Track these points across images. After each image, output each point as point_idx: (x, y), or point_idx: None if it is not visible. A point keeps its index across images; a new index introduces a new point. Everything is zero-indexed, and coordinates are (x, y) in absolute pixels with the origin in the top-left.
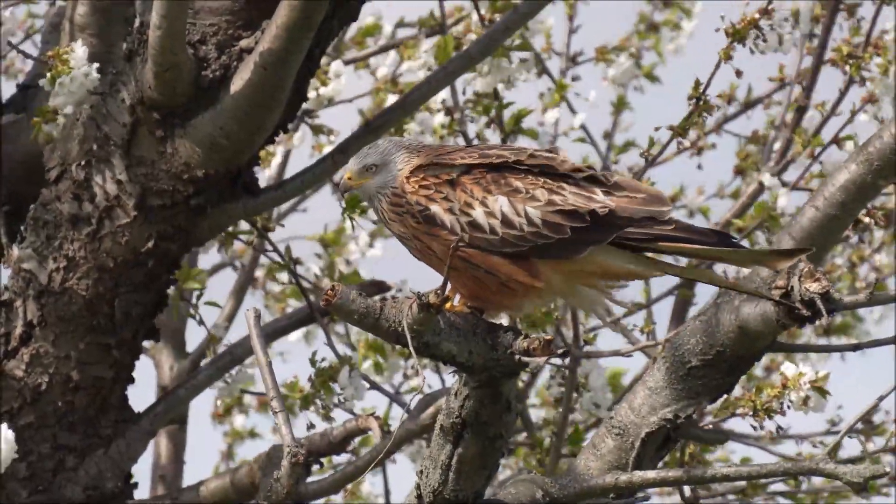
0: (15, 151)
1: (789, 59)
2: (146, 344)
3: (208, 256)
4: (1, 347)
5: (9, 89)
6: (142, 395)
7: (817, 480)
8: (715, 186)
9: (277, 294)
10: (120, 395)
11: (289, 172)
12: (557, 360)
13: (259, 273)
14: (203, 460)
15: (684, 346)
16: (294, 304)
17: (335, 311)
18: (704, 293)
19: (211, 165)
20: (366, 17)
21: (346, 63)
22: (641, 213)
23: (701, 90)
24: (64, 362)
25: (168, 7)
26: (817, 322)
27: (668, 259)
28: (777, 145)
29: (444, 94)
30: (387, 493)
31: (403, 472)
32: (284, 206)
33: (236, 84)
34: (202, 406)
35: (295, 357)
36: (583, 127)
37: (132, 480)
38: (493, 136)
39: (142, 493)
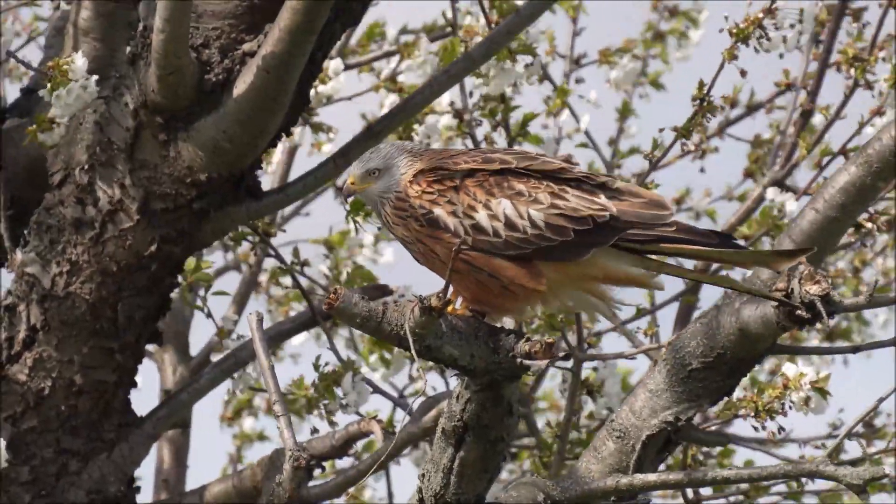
0: (19, 156)
1: (795, 63)
2: (149, 347)
3: (212, 260)
4: (4, 352)
5: (13, 92)
6: (145, 398)
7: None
8: (721, 189)
9: (281, 297)
10: (123, 399)
11: (293, 174)
12: (560, 364)
13: (262, 277)
14: (207, 464)
15: (685, 349)
16: (298, 308)
17: (337, 315)
18: (708, 299)
19: (214, 169)
20: (371, 22)
21: (350, 67)
22: (643, 217)
23: (705, 91)
24: (67, 366)
25: (171, 11)
26: (818, 324)
27: (670, 261)
28: (782, 150)
29: (454, 96)
30: (390, 496)
31: (406, 476)
32: (287, 210)
33: (239, 87)
34: (206, 410)
35: (306, 359)
36: (586, 132)
37: (135, 484)
38: (500, 139)
39: (145, 497)
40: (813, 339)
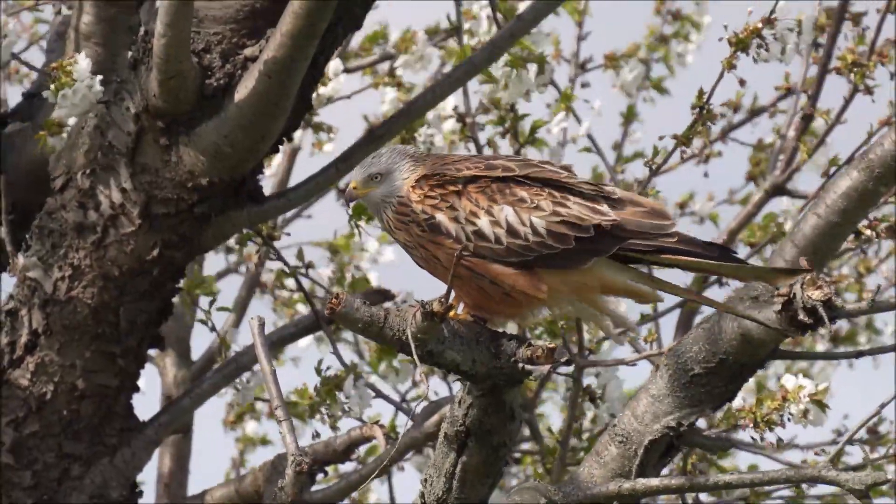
0: (20, 160)
1: (796, 67)
2: (151, 352)
3: (214, 262)
4: (6, 356)
5: (13, 95)
6: (147, 403)
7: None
8: (724, 193)
9: (286, 299)
10: (125, 404)
11: (294, 177)
12: (562, 369)
13: (268, 277)
14: (209, 469)
15: (687, 354)
16: (303, 309)
17: (339, 320)
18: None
19: (215, 174)
20: (373, 24)
21: (353, 70)
22: (644, 226)
23: (704, 99)
24: (69, 371)
25: (173, 16)
26: (820, 329)
27: (669, 274)
28: (782, 154)
29: (458, 100)
30: (392, 501)
31: (409, 481)
32: (289, 213)
33: (241, 92)
34: (208, 414)
35: (307, 362)
36: (589, 136)
37: (137, 489)
38: (505, 145)
39: (147, 501)
40: (818, 344)
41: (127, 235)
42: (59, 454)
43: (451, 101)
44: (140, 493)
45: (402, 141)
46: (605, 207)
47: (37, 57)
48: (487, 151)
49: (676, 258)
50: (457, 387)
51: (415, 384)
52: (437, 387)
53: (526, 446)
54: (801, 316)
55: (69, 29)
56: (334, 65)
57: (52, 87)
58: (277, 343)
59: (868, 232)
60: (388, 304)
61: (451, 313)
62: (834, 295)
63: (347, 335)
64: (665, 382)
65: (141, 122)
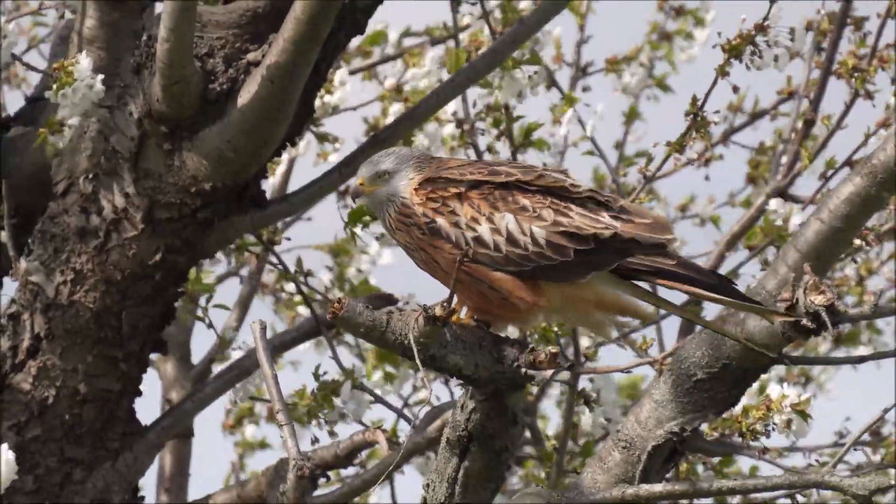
0: (23, 164)
1: (797, 69)
2: (152, 356)
3: (213, 266)
4: (8, 360)
5: (13, 99)
6: (147, 407)
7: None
8: (725, 195)
9: (287, 301)
10: (127, 408)
11: (293, 181)
12: (563, 374)
13: (269, 278)
14: (209, 473)
15: (690, 359)
16: (305, 312)
17: (341, 325)
18: (712, 309)
19: (218, 178)
20: (373, 25)
21: (353, 73)
22: (646, 239)
23: (698, 106)
24: (71, 375)
25: (176, 20)
26: (823, 334)
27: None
28: (784, 158)
29: (456, 105)
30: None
31: (411, 485)
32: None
33: (243, 97)
34: (208, 418)
35: (307, 366)
36: (592, 140)
37: (139, 494)
38: (504, 149)
39: None
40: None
41: (129, 240)
42: (60, 458)
43: (451, 106)
44: (142, 498)
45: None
46: (607, 219)
47: (36, 60)
48: (487, 157)
49: (673, 283)
50: (458, 392)
51: (415, 388)
52: (438, 391)
53: (526, 448)
54: (805, 321)
55: (72, 33)
56: (341, 74)
57: (54, 87)
58: (279, 347)
59: (857, 241)
60: (390, 309)
61: (454, 318)
62: (837, 300)
63: (349, 339)
64: (668, 388)
65: (144, 126)
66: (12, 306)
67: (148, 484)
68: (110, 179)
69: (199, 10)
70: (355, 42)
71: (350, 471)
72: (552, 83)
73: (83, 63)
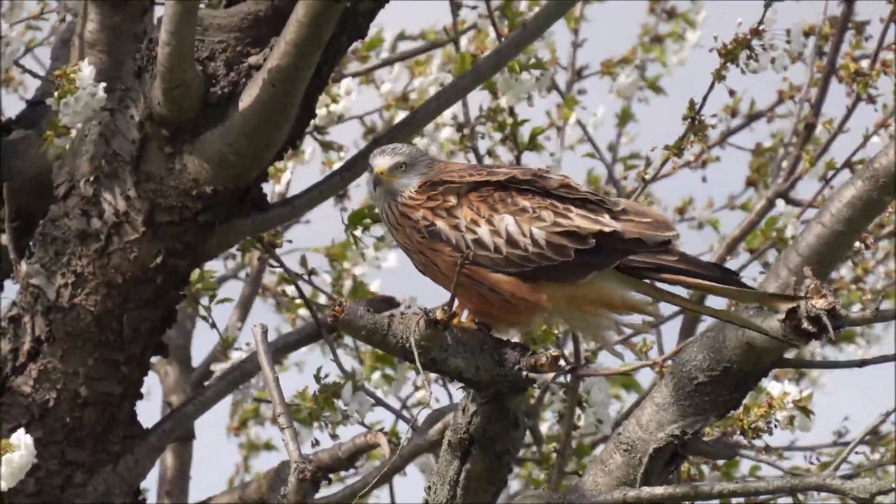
0: (24, 167)
1: (798, 72)
2: (153, 360)
3: (214, 269)
4: (9, 363)
5: (10, 102)
6: (147, 409)
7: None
8: (723, 198)
9: (288, 303)
10: (128, 411)
11: (294, 185)
12: (560, 378)
13: (270, 279)
14: (210, 476)
15: (691, 363)
16: (306, 314)
17: (342, 327)
18: (716, 306)
19: (219, 182)
20: (370, 29)
21: (352, 76)
22: (646, 238)
23: (696, 110)
24: (72, 378)
25: (177, 24)
26: (823, 338)
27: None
28: (785, 163)
29: (456, 109)
30: None
31: (413, 487)
32: None
33: (245, 101)
34: (209, 421)
35: (311, 368)
36: (592, 143)
37: (141, 496)
38: (505, 153)
39: None
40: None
41: (130, 243)
42: (62, 461)
43: (450, 110)
44: (143, 501)
45: None
46: (607, 219)
47: (31, 65)
48: (487, 161)
49: (677, 278)
50: (459, 395)
51: (416, 388)
52: (438, 394)
53: (526, 451)
54: (806, 325)
55: (73, 36)
56: (346, 83)
57: (56, 94)
58: (281, 350)
59: (857, 244)
60: (391, 312)
61: (455, 321)
62: (838, 304)
63: (348, 340)
64: (669, 391)
65: (145, 129)
66: (13, 309)
67: (149, 487)
68: (111, 182)
69: (201, 13)
70: (352, 47)
71: (351, 472)
72: (553, 86)
73: (85, 71)
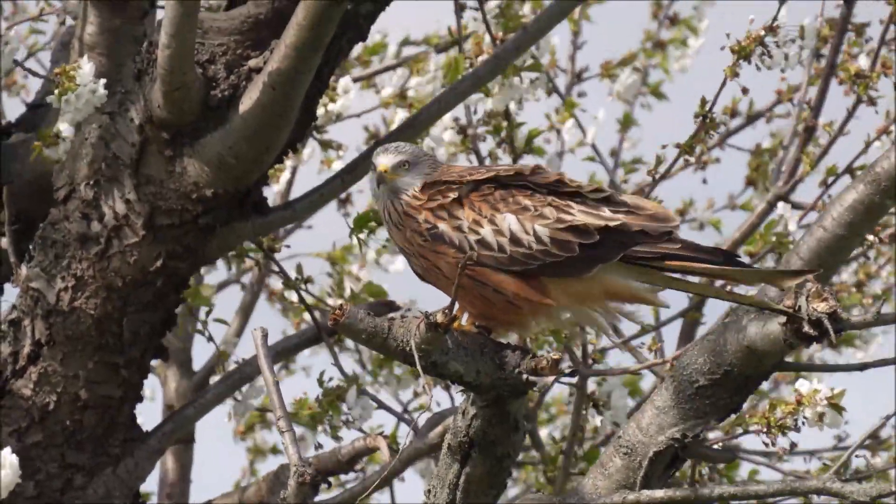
0: (24, 170)
1: (796, 76)
2: (153, 363)
3: (215, 273)
4: (9, 366)
5: (11, 106)
6: (147, 412)
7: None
8: (723, 199)
9: (293, 307)
10: (128, 414)
11: (296, 188)
12: (565, 380)
13: (278, 285)
14: (210, 479)
15: (692, 366)
16: (308, 318)
17: (343, 331)
18: (712, 315)
19: (220, 185)
20: (373, 35)
21: (354, 80)
22: (654, 229)
23: (707, 108)
24: (72, 381)
25: (177, 26)
26: (825, 341)
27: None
28: (785, 165)
29: (458, 112)
30: None
31: (412, 490)
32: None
33: (245, 104)
34: (210, 423)
35: (318, 372)
36: (593, 146)
37: (141, 499)
38: (504, 156)
39: None
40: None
41: (130, 246)
42: (62, 464)
43: (451, 113)
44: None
45: None
46: (608, 213)
47: (34, 68)
48: (488, 163)
49: (681, 264)
50: (459, 398)
51: (416, 394)
52: (440, 396)
53: (525, 455)
54: (807, 328)
55: (73, 39)
56: (344, 83)
57: (56, 92)
58: (281, 353)
59: (871, 238)
60: (391, 315)
61: (456, 324)
62: (839, 307)
63: (351, 344)
64: (670, 394)
65: (145, 132)
66: (13, 312)
67: (150, 490)
68: (111, 185)
69: (201, 16)
70: (354, 51)
71: (351, 476)
72: (553, 89)
73: (85, 68)
